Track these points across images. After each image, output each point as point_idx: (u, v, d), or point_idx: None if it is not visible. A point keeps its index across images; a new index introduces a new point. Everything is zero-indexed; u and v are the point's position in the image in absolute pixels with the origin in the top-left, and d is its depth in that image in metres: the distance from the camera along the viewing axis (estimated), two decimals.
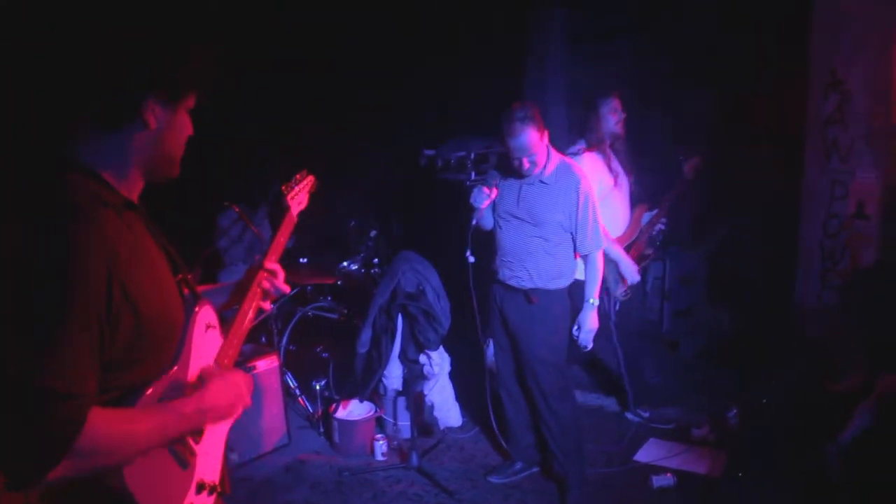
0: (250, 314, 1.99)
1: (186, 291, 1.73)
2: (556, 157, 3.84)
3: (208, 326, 1.78)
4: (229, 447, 4.24)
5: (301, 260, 5.28)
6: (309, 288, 5.34)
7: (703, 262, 6.23)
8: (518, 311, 3.99)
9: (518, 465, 4.29)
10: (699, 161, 4.79)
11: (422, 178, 6.16)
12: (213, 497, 1.73)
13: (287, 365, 5.13)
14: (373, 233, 5.66)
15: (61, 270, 1.32)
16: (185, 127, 1.64)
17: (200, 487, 1.68)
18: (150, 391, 1.52)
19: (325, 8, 5.80)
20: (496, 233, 4.02)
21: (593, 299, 3.96)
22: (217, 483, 1.75)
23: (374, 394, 4.84)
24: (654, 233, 4.84)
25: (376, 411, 4.78)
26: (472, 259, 3.93)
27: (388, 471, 4.43)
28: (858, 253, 4.73)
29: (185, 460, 1.63)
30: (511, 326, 4.04)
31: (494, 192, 3.85)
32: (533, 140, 3.64)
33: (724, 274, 6.15)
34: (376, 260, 5.63)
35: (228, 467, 1.89)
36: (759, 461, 4.16)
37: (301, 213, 2.40)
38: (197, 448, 1.69)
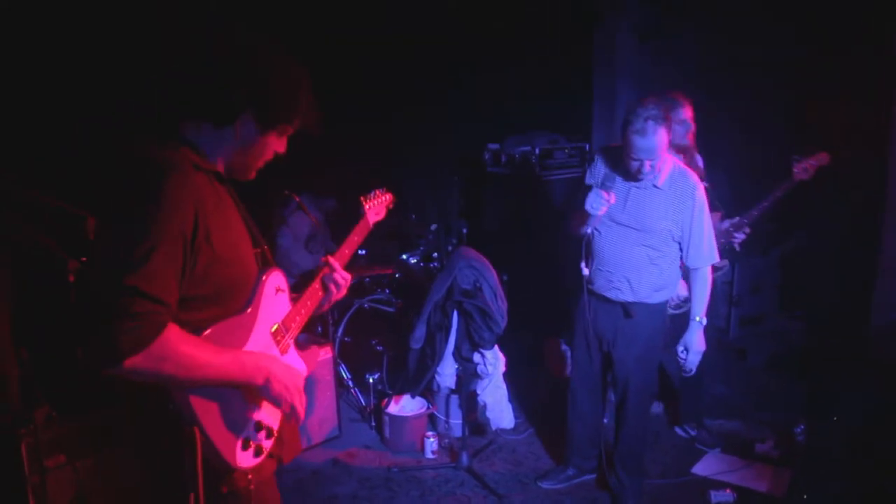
0: (314, 296, 2.19)
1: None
2: (669, 160, 3.52)
3: (278, 289, 1.97)
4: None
5: (360, 251, 5.24)
6: (367, 280, 5.31)
7: (775, 269, 5.99)
8: (615, 325, 3.73)
9: (570, 471, 4.15)
10: (825, 158, 4.22)
11: (485, 173, 6.08)
12: (271, 441, 1.92)
13: (342, 356, 5.11)
14: (433, 227, 5.60)
15: (159, 200, 1.61)
16: (270, 147, 1.92)
17: (259, 427, 1.87)
18: (216, 326, 1.75)
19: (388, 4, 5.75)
20: (594, 239, 3.68)
21: (700, 317, 3.64)
22: (275, 429, 1.94)
23: (426, 390, 4.79)
24: (732, 241, 4.48)
25: (428, 408, 4.72)
26: (585, 271, 3.67)
27: (438, 469, 4.37)
28: None
29: (248, 396, 1.85)
30: (605, 340, 3.80)
31: (613, 198, 3.43)
32: (663, 142, 3.32)
33: (798, 282, 5.90)
34: (435, 254, 5.56)
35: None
36: (825, 483, 3.95)
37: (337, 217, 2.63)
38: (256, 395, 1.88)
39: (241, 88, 1.78)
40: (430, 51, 6.13)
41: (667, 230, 3.54)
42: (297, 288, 2.18)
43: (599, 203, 3.40)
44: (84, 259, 3.70)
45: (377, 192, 2.66)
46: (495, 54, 6.13)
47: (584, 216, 3.50)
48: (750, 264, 5.82)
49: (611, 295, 3.67)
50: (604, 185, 3.48)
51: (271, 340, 1.95)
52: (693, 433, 4.75)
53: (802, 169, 4.19)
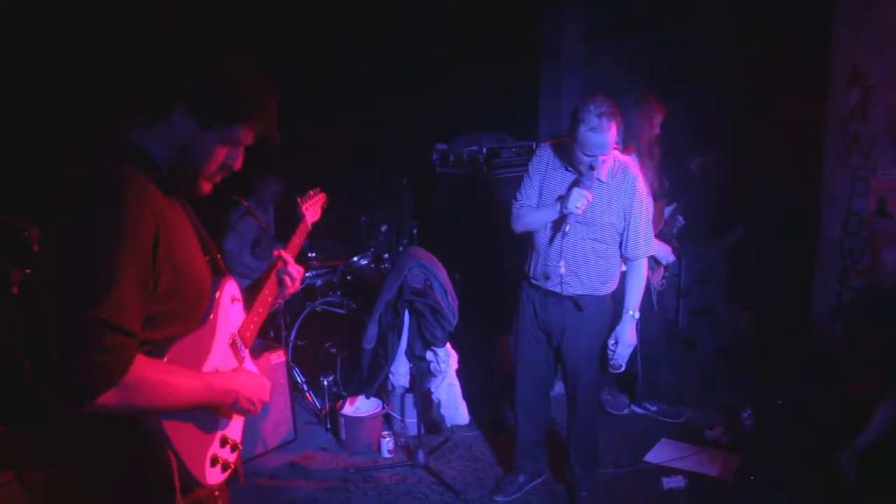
0: (269, 298, 2.19)
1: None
2: (611, 154, 3.52)
3: (233, 298, 1.96)
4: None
5: (310, 254, 5.24)
6: (319, 283, 5.30)
7: (721, 260, 6.12)
8: (563, 319, 3.70)
9: (521, 479, 4.08)
10: (708, 160, 4.75)
11: (433, 173, 6.11)
12: (235, 455, 1.92)
13: (295, 360, 5.09)
14: (383, 228, 5.62)
15: (119, 220, 1.52)
16: (215, 153, 1.76)
17: (224, 442, 1.87)
18: (177, 345, 1.71)
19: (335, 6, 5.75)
20: (538, 234, 3.67)
21: (634, 311, 3.65)
22: (238, 442, 1.94)
23: (381, 390, 4.80)
24: (677, 226, 4.75)
25: (383, 408, 4.73)
26: (562, 269, 3.56)
27: (394, 468, 4.38)
28: (880, 252, 4.61)
29: (210, 415, 1.83)
30: (553, 334, 3.77)
31: (590, 196, 3.41)
32: (613, 137, 3.35)
33: (743, 272, 6.04)
34: (387, 255, 5.58)
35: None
36: (772, 465, 4.06)
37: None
38: (223, 409, 1.88)
39: (173, 74, 1.68)
40: (378, 52, 6.15)
41: (611, 224, 3.57)
42: (249, 292, 2.17)
43: (581, 201, 3.38)
44: (28, 270, 3.64)
45: (311, 192, 2.68)
46: (443, 56, 6.17)
47: (564, 215, 3.46)
48: (697, 255, 5.94)
49: (558, 289, 3.63)
50: (582, 184, 3.42)
51: (230, 352, 1.94)
52: (654, 408, 4.95)
53: (697, 166, 4.55)
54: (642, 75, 5.81)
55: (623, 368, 3.72)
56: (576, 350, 3.73)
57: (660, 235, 4.65)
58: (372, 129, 6.35)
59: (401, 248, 5.13)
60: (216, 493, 1.91)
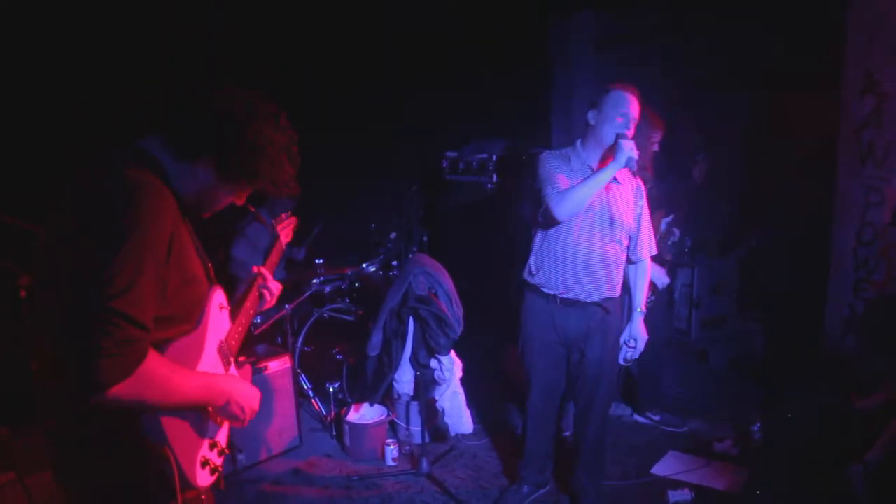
0: (251, 311, 2.27)
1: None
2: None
3: (221, 306, 1.99)
4: (237, 448, 4.25)
5: (317, 260, 5.23)
6: (327, 289, 5.29)
7: (734, 271, 6.05)
8: (588, 324, 3.59)
9: (525, 489, 4.03)
10: (707, 163, 4.66)
11: (443, 181, 6.09)
12: (222, 459, 1.96)
13: (302, 366, 5.08)
14: (392, 235, 5.60)
15: (142, 219, 1.59)
16: (226, 199, 1.92)
17: (213, 445, 1.92)
18: (176, 345, 1.76)
19: (347, 15, 5.75)
20: (559, 241, 3.53)
21: (642, 308, 3.71)
22: (225, 447, 1.99)
23: (386, 398, 4.77)
24: (673, 239, 4.69)
25: (388, 416, 4.71)
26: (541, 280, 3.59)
27: (398, 477, 4.35)
28: (894, 263, 4.52)
29: (204, 415, 1.89)
30: (575, 342, 3.65)
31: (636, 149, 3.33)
32: (639, 112, 3.42)
33: (756, 283, 5.96)
34: (395, 262, 5.57)
35: (235, 468, 2.04)
36: (781, 479, 3.99)
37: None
38: (212, 409, 1.92)
39: (211, 130, 1.77)
40: (389, 60, 6.15)
41: (629, 225, 3.57)
42: (233, 304, 2.21)
43: (631, 148, 3.28)
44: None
45: (283, 216, 2.82)
46: (453, 63, 6.15)
47: (612, 173, 3.32)
48: (710, 266, 5.88)
49: (583, 297, 3.55)
50: (621, 144, 3.31)
51: (218, 358, 1.97)
52: (657, 418, 4.91)
53: (700, 171, 4.49)
54: (654, 83, 5.76)
55: (636, 357, 3.77)
56: (601, 353, 3.64)
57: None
58: (382, 136, 6.34)
59: (409, 256, 5.10)
60: (202, 496, 1.93)
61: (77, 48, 4.20)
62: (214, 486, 1.95)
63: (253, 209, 4.73)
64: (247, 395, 1.97)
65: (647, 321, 3.80)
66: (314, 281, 5.14)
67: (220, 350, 1.98)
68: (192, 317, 1.84)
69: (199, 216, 1.93)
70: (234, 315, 2.13)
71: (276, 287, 2.37)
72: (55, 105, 4.20)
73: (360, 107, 6.19)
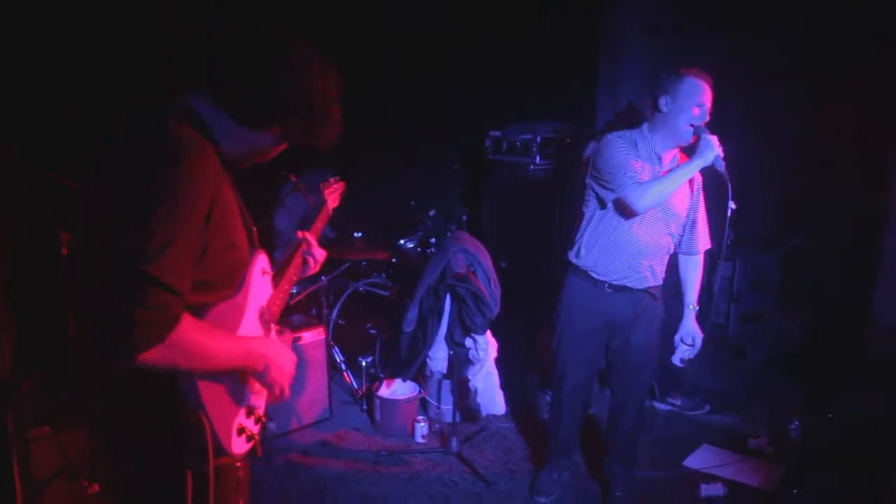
0: (294, 277, 2.24)
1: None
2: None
3: (264, 271, 1.96)
4: (269, 417, 4.26)
5: (355, 234, 5.20)
6: (364, 263, 5.27)
7: (776, 266, 5.92)
8: (634, 310, 3.53)
9: (555, 475, 3.98)
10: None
11: (485, 160, 6.03)
12: (259, 427, 1.93)
13: (335, 339, 5.08)
14: (431, 212, 5.57)
15: (182, 183, 1.54)
16: (279, 149, 1.89)
17: (250, 412, 1.89)
18: (215, 310, 1.73)
19: None
20: (618, 229, 3.43)
21: (695, 305, 3.59)
22: (263, 415, 1.96)
23: (419, 375, 4.76)
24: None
25: (420, 392, 4.70)
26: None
27: (427, 454, 4.34)
28: None
29: (241, 380, 1.85)
30: (619, 328, 3.61)
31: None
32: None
33: (799, 280, 5.84)
34: (433, 240, 5.53)
35: (265, 436, 2.01)
36: (818, 480, 3.90)
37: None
38: (251, 379, 1.89)
39: (278, 102, 1.72)
40: (433, 37, 6.07)
41: (683, 217, 3.48)
42: (276, 269, 2.19)
43: (716, 145, 3.22)
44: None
45: (332, 180, 2.76)
46: (499, 40, 6.07)
47: (696, 170, 3.28)
48: (752, 261, 5.76)
49: (633, 283, 3.48)
50: (702, 140, 3.24)
51: (258, 324, 1.94)
52: (678, 402, 4.88)
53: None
54: (707, 72, 5.65)
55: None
56: (646, 339, 3.57)
57: None
58: (424, 113, 6.28)
59: (449, 233, 5.06)
60: (237, 463, 1.90)
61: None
62: (251, 453, 1.92)
63: (294, 178, 4.73)
64: (286, 359, 1.93)
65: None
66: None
67: (261, 316, 1.95)
68: (234, 281, 1.80)
69: (240, 167, 1.88)
70: (276, 281, 2.09)
71: (320, 254, 2.33)
72: (95, 57, 4.20)
73: (400, 81, 6.14)
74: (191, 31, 1.77)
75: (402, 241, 5.44)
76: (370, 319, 5.20)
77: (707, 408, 4.86)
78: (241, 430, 1.82)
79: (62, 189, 3.61)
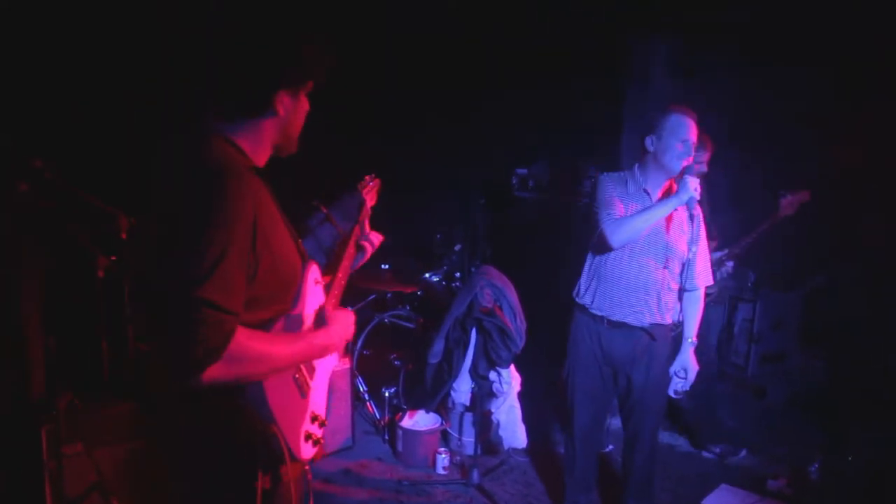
0: (343, 280, 2.31)
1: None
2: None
3: (316, 281, 2.04)
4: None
5: (383, 266, 5.30)
6: (389, 295, 5.36)
7: (797, 306, 5.96)
8: (633, 349, 3.60)
9: None
10: (806, 196, 4.42)
11: (511, 196, 6.13)
12: (322, 430, 2.02)
13: (359, 369, 5.15)
14: (457, 247, 5.66)
15: (224, 212, 1.60)
16: (304, 107, 1.94)
17: (314, 418, 1.98)
18: (277, 325, 1.82)
19: (424, 21, 5.81)
20: (607, 264, 3.56)
21: (693, 339, 3.62)
22: (324, 418, 2.03)
23: (441, 407, 4.81)
24: (727, 271, 4.62)
25: (442, 424, 4.75)
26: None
27: (448, 485, 4.38)
28: None
29: (303, 390, 1.94)
30: (621, 366, 3.66)
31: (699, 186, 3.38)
32: (696, 136, 3.42)
33: (821, 319, 5.85)
34: (458, 274, 5.62)
35: None
36: None
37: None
38: (311, 383, 1.99)
39: (268, 72, 1.79)
40: (462, 75, 6.20)
41: (683, 252, 3.51)
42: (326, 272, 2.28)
43: (695, 184, 3.33)
44: (114, 258, 3.80)
45: (367, 178, 2.84)
46: (526, 79, 6.19)
47: (672, 209, 3.38)
48: (772, 300, 5.80)
49: (630, 320, 3.56)
50: (685, 178, 3.36)
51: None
52: (718, 450, 4.88)
53: (788, 204, 4.35)
54: (731, 113, 5.73)
55: (687, 389, 3.67)
56: (647, 380, 3.63)
57: None
58: (453, 149, 6.40)
59: (473, 269, 5.15)
60: (305, 467, 2.02)
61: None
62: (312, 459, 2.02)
63: (325, 210, 4.84)
64: (344, 328, 2.02)
65: (697, 352, 3.76)
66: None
67: (317, 320, 2.03)
68: (289, 295, 1.88)
69: (294, 148, 1.97)
70: (328, 287, 2.18)
71: (376, 237, 2.46)
72: (130, 79, 4.33)
73: (429, 117, 6.27)
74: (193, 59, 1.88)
75: (427, 275, 5.53)
76: (394, 351, 5.28)
77: (743, 453, 4.82)
78: (308, 436, 1.92)
79: (98, 211, 3.73)
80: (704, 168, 4.44)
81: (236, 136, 1.81)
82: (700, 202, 3.42)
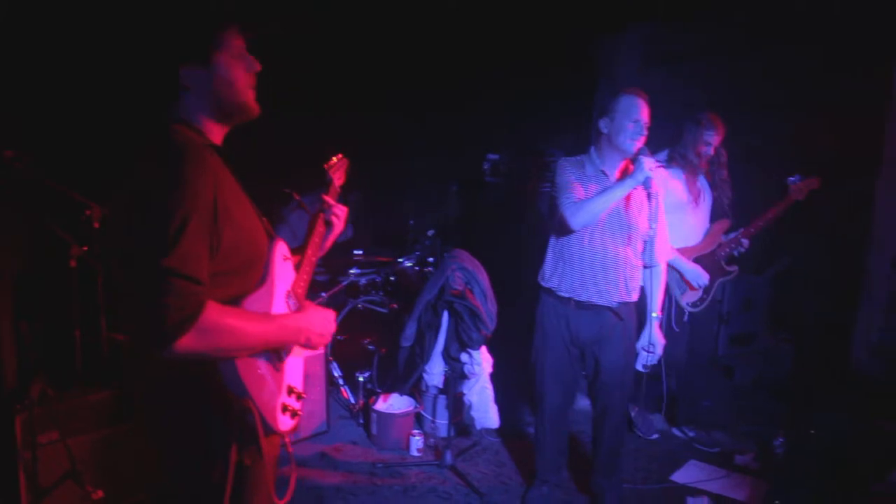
0: (313, 258, 2.33)
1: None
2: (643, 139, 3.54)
3: (284, 258, 2.06)
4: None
5: (355, 252, 5.35)
6: (362, 281, 5.40)
7: (766, 288, 6.06)
8: (600, 329, 3.68)
9: (545, 489, 4.07)
10: (815, 183, 4.52)
11: (483, 182, 6.18)
12: (301, 403, 2.05)
13: (333, 354, 5.20)
14: (430, 232, 5.70)
15: (182, 187, 1.66)
16: (234, 69, 1.92)
17: (290, 391, 2.00)
18: (247, 301, 1.85)
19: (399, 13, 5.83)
20: (571, 245, 3.63)
21: (658, 313, 3.72)
22: (301, 391, 2.05)
23: (414, 390, 4.87)
24: (736, 252, 4.71)
25: (416, 407, 4.81)
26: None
27: (422, 467, 4.44)
28: None
29: (276, 365, 1.96)
30: (588, 346, 3.74)
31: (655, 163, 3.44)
32: (648, 115, 3.49)
33: (787, 301, 5.97)
34: (431, 259, 5.66)
35: None
36: (800, 494, 4.01)
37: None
38: (284, 356, 2.00)
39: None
40: (435, 62, 6.23)
41: (643, 228, 3.58)
42: (296, 253, 2.31)
43: (651, 164, 3.39)
44: (86, 248, 3.82)
45: (334, 159, 2.83)
46: (499, 67, 6.22)
47: (630, 188, 3.43)
48: (742, 282, 5.88)
49: (597, 300, 3.62)
50: (640, 156, 3.43)
51: (286, 307, 2.05)
52: (692, 434, 4.95)
53: (797, 189, 4.45)
54: (700, 100, 5.80)
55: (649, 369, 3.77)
56: (615, 358, 3.70)
57: (706, 257, 4.65)
58: (425, 135, 6.44)
59: (445, 254, 5.19)
60: (286, 439, 2.07)
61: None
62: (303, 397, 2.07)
63: (297, 197, 4.87)
64: (323, 321, 2.04)
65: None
66: (351, 271, 5.25)
67: (287, 298, 2.06)
68: (257, 271, 1.92)
69: (252, 108, 1.98)
70: (298, 265, 2.21)
71: (341, 209, 2.48)
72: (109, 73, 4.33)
73: (401, 105, 6.29)
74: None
75: (400, 260, 5.57)
76: (368, 336, 5.33)
77: (717, 448, 4.78)
78: (284, 408, 1.95)
79: (70, 201, 3.74)
80: (711, 150, 4.51)
81: (189, 118, 1.89)
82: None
